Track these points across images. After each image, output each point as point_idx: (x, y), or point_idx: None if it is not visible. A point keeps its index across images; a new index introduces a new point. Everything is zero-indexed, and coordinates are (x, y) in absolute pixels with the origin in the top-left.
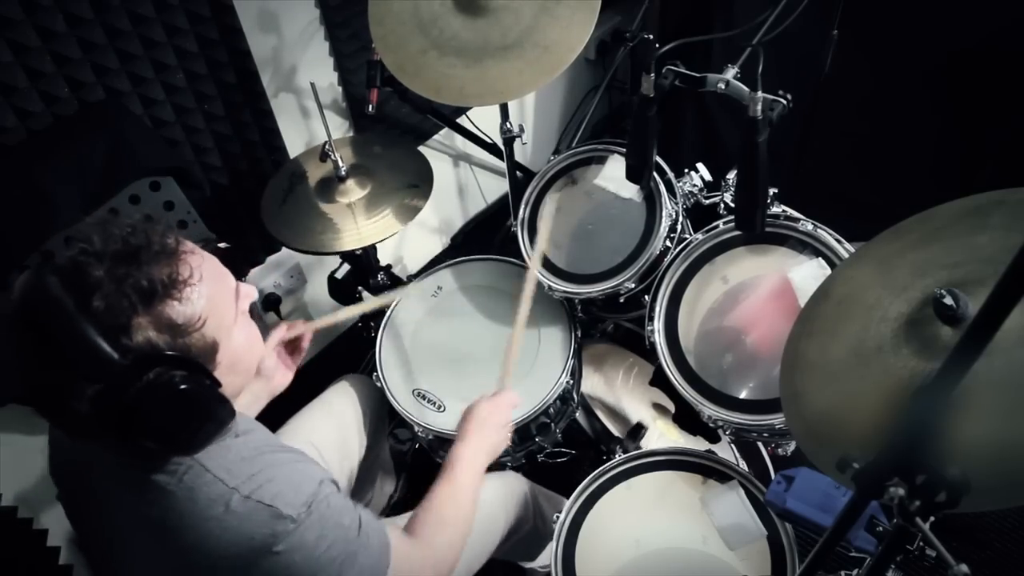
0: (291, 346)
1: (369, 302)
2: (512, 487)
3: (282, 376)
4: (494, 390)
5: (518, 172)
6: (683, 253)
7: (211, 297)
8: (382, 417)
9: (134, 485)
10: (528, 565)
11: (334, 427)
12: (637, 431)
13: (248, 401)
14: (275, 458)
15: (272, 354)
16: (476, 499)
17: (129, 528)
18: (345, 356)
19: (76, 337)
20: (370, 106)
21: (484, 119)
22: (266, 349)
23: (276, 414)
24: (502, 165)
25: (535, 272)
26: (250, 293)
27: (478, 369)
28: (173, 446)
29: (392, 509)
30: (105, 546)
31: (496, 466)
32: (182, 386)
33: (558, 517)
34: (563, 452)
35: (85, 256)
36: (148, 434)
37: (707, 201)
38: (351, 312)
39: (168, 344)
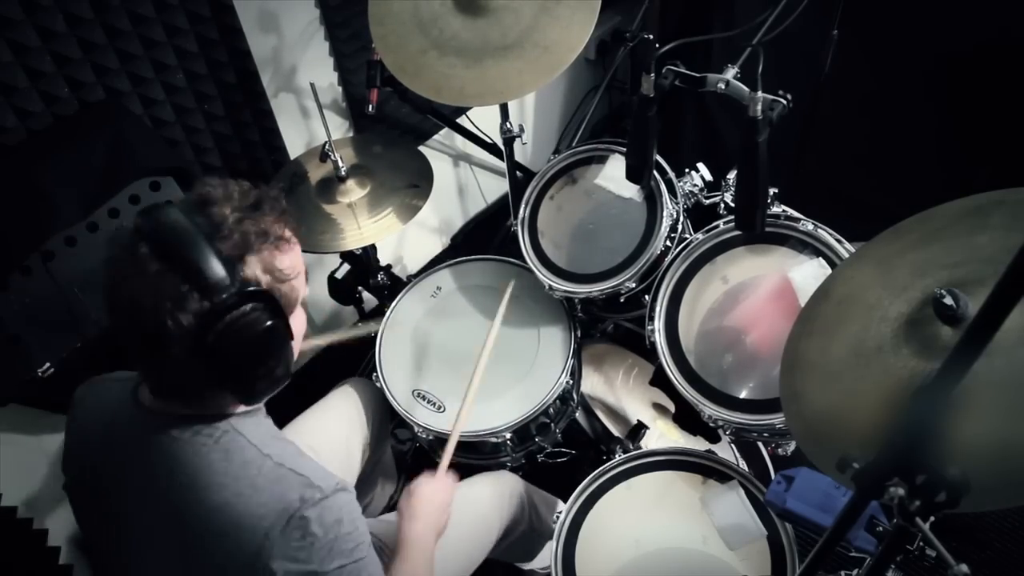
0: None
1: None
2: (506, 486)
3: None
4: (434, 472)
5: (518, 172)
6: (683, 253)
7: (300, 262)
8: (385, 421)
9: (167, 449)
10: (526, 566)
11: (336, 431)
12: (637, 431)
13: None
14: (303, 453)
15: None
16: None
17: (146, 505)
18: (345, 357)
19: (200, 256)
20: (370, 106)
21: (484, 119)
22: None
23: (277, 416)
24: (502, 165)
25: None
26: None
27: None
28: (243, 383)
29: (391, 510)
30: (113, 536)
31: (493, 466)
32: (269, 323)
33: (558, 517)
34: (563, 452)
35: (211, 198)
36: (228, 362)
37: (707, 201)
38: (332, 337)
39: (269, 285)
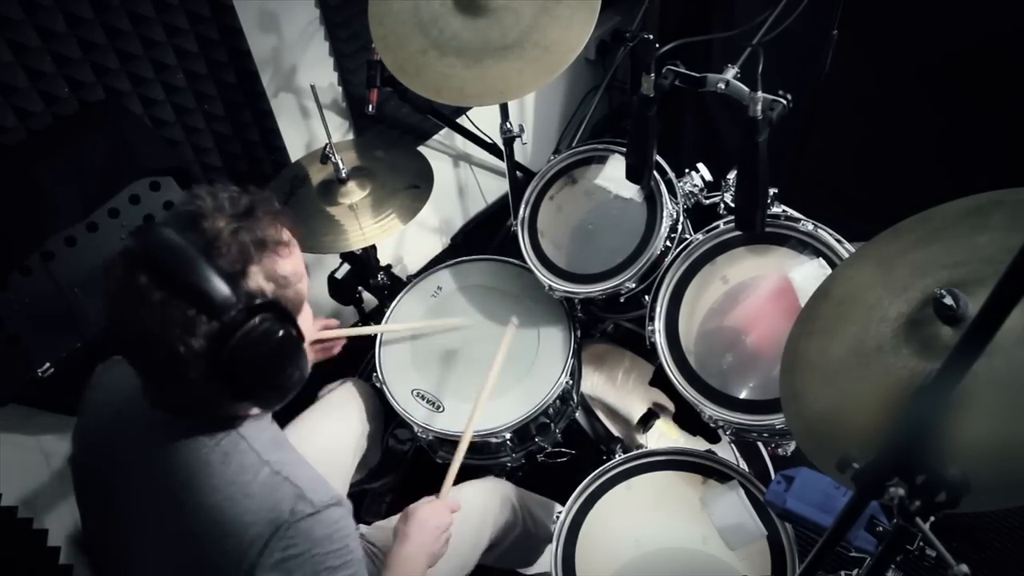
0: (320, 345)
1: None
2: (495, 492)
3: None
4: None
5: (518, 172)
6: (683, 253)
7: (301, 263)
8: (380, 424)
9: (168, 446)
10: (528, 572)
11: (332, 435)
12: (648, 419)
13: None
14: (304, 461)
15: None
16: None
17: (145, 498)
18: (345, 356)
19: (202, 277)
20: (370, 106)
21: (484, 119)
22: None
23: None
24: (502, 165)
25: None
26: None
27: (477, 369)
28: (262, 393)
29: (390, 507)
30: (112, 522)
31: (493, 466)
32: (281, 332)
33: (558, 517)
34: (563, 452)
35: (201, 211)
36: (245, 377)
37: (707, 201)
38: (389, 327)
39: (274, 294)
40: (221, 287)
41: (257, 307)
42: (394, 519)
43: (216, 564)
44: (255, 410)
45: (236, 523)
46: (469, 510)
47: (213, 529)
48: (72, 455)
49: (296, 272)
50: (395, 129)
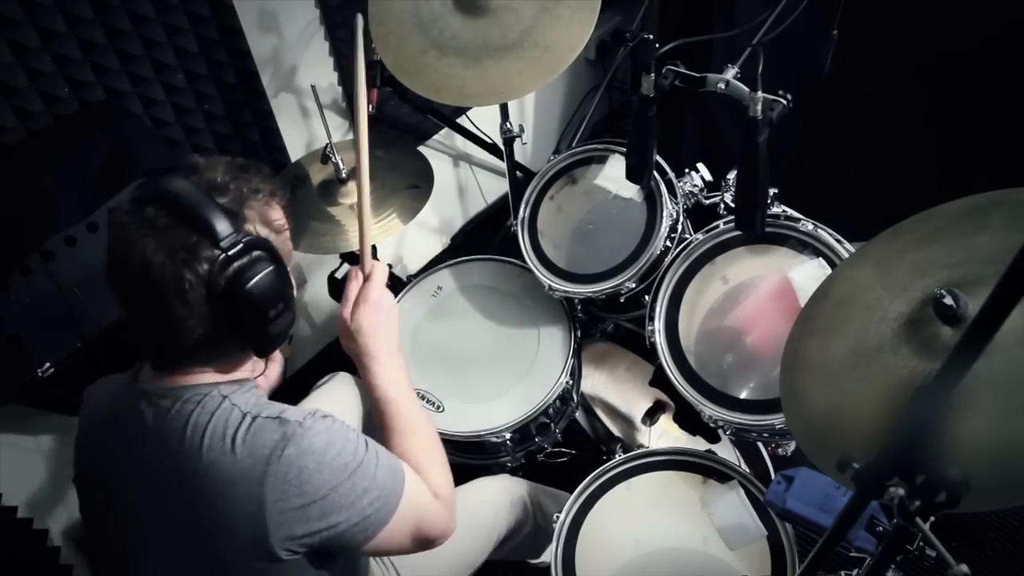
0: None
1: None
2: (509, 491)
3: (276, 366)
4: (362, 276)
5: (518, 172)
6: (683, 253)
7: (287, 223)
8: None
9: (158, 419)
10: (533, 561)
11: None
12: (655, 412)
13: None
14: (285, 406)
15: None
16: (419, 406)
17: (147, 477)
18: (345, 356)
19: (206, 209)
20: (370, 106)
21: (484, 119)
22: None
23: None
24: (502, 165)
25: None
26: None
27: (478, 369)
28: (257, 328)
29: None
30: (117, 521)
31: (493, 466)
32: (274, 268)
33: (558, 517)
34: (563, 452)
35: (199, 164)
36: (243, 307)
37: (707, 201)
38: None
39: (268, 236)
40: (223, 220)
41: (254, 242)
42: None
43: (235, 514)
44: (235, 374)
45: (237, 470)
46: (481, 509)
47: (219, 484)
48: (74, 475)
49: (284, 225)
50: (395, 129)
